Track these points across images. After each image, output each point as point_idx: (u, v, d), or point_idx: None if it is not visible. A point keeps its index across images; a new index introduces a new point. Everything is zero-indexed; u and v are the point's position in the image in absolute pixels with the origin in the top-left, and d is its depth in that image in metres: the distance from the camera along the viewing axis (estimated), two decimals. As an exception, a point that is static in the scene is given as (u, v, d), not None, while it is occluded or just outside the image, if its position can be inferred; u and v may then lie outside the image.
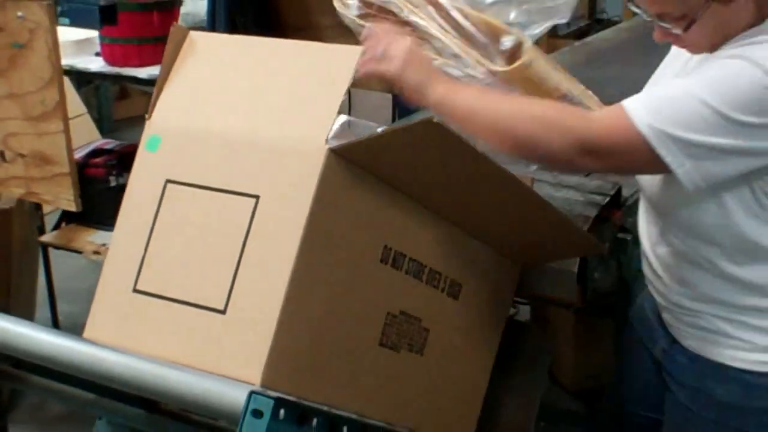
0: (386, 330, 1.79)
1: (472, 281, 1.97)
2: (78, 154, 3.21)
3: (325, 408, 1.53)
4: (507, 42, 1.77)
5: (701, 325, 1.81)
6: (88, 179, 3.14)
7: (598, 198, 2.32)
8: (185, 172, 1.71)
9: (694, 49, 1.72)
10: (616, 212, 2.36)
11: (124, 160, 3.26)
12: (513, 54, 1.79)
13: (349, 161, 1.61)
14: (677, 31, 1.65)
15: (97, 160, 3.34)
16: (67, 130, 2.44)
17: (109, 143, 3.58)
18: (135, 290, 1.68)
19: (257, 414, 1.36)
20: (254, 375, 1.53)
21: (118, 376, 1.55)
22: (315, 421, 1.47)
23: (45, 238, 3.43)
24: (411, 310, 1.84)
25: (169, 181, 1.71)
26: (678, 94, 1.61)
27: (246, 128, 1.68)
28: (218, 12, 3.71)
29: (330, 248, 1.63)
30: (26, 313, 3.84)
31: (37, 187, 2.52)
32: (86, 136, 4.58)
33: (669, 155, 1.58)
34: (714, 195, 1.67)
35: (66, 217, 3.37)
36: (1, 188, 2.67)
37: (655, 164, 1.60)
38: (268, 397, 1.37)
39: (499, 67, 1.78)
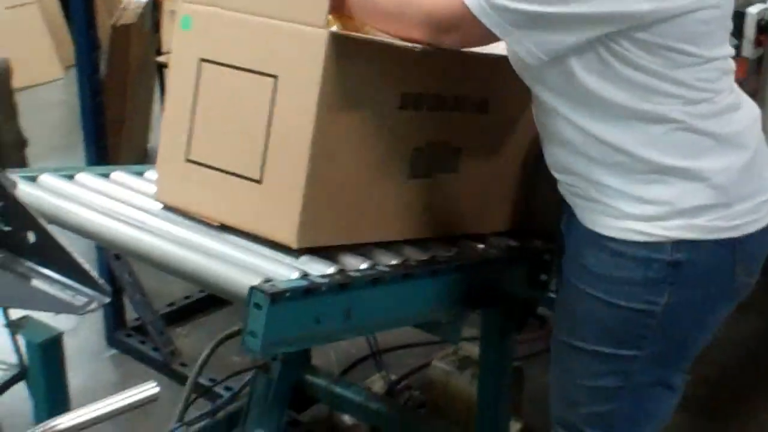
0: (414, 163, 1.92)
1: (498, 91, 2.03)
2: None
3: (331, 271, 1.71)
4: None
5: (578, 193, 1.76)
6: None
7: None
8: (215, 52, 1.81)
9: None
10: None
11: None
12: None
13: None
14: None
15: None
16: None
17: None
18: (187, 160, 1.86)
19: (257, 306, 1.54)
20: (290, 239, 1.73)
21: (151, 256, 1.76)
22: (324, 286, 1.65)
23: (161, 59, 3.55)
24: (437, 138, 1.95)
25: (202, 59, 1.83)
26: None
27: (259, 9, 1.75)
28: None
29: (346, 112, 1.75)
30: (142, 131, 4.02)
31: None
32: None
33: (495, 26, 1.59)
34: (557, 60, 1.64)
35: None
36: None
37: (490, 37, 1.62)
38: (264, 292, 1.54)
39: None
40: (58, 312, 1.18)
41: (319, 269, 1.73)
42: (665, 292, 1.70)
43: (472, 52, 1.83)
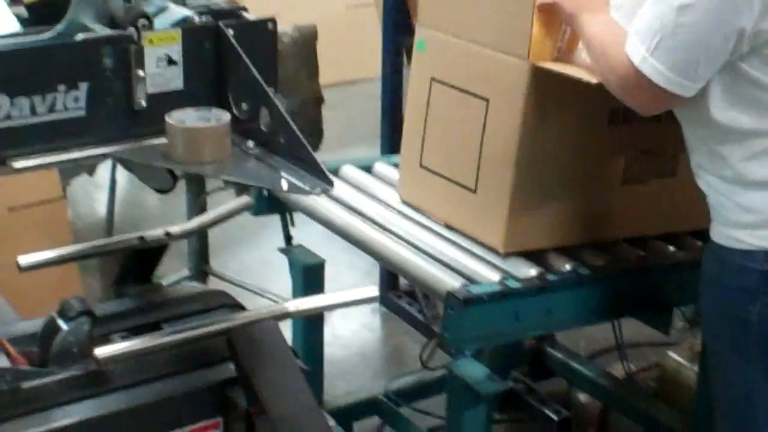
0: (627, 170, 2.07)
1: None
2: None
3: (533, 273, 1.93)
4: None
5: (707, 199, 1.81)
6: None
7: None
8: (442, 72, 2.09)
9: None
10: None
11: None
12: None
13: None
14: None
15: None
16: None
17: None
18: (421, 165, 2.16)
19: (452, 308, 1.81)
20: (498, 244, 1.98)
21: (381, 255, 2.06)
22: (521, 290, 1.88)
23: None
24: (651, 147, 2.08)
25: (433, 79, 2.11)
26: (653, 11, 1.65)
27: (477, 38, 1.99)
28: None
29: (551, 131, 1.95)
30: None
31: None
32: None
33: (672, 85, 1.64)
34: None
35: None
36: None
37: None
38: (457, 297, 1.80)
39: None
40: (293, 192, 1.48)
41: (523, 271, 1.96)
42: (758, 302, 1.71)
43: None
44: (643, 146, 2.08)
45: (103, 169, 4.14)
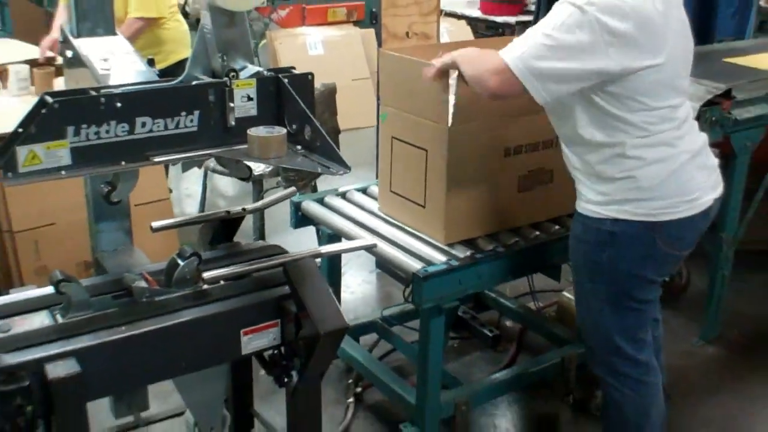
0: (521, 183, 2.34)
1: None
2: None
3: (468, 254, 2.18)
4: None
5: (577, 187, 2.02)
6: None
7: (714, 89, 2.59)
8: (399, 133, 2.34)
9: None
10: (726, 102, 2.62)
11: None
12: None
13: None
14: None
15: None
16: (437, 20, 3.12)
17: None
18: (390, 191, 2.43)
19: (417, 283, 2.06)
20: (441, 239, 2.25)
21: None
22: (460, 266, 2.14)
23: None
24: (535, 167, 2.35)
25: (393, 137, 2.36)
26: (530, 34, 1.83)
27: (418, 113, 2.24)
28: None
29: (466, 166, 2.20)
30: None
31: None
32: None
33: (527, 82, 1.81)
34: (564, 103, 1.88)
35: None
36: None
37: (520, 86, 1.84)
38: (419, 276, 2.06)
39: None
40: (325, 173, 1.57)
41: (462, 251, 2.21)
42: (606, 251, 1.95)
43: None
44: (529, 168, 2.34)
45: (194, 184, 4.49)
